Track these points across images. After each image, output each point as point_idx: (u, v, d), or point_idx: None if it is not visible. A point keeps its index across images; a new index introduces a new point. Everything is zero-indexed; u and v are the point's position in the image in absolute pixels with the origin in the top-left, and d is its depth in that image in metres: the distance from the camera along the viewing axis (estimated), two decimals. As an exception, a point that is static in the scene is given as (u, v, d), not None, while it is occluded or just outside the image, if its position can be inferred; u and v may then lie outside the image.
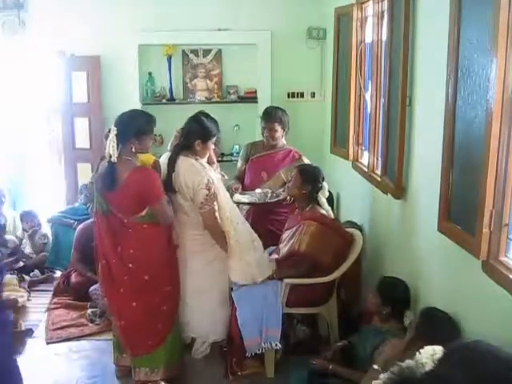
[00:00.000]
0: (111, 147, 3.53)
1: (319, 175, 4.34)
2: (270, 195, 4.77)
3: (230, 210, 4.04)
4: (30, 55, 6.86)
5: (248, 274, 4.06)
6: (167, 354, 3.88)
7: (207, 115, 4.13)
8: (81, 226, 5.71)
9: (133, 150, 3.63)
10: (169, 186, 3.89)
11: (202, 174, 3.90)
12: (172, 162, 3.93)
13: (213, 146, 4.18)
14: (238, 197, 4.82)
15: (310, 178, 4.28)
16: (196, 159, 4.00)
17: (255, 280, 4.08)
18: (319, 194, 4.28)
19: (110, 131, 3.61)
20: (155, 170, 3.82)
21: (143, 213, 3.66)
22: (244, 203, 4.82)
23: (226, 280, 4.16)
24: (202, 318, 4.14)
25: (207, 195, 3.86)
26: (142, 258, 3.72)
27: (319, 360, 3.72)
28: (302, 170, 4.36)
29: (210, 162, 4.25)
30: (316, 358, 3.74)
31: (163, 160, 4.06)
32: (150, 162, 3.84)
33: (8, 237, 6.17)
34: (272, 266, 4.15)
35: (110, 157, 3.55)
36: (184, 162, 3.94)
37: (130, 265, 3.71)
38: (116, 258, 3.71)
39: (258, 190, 4.83)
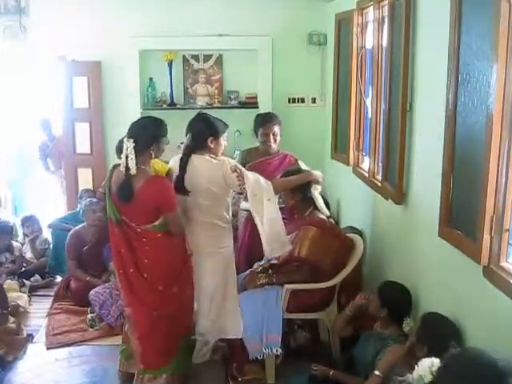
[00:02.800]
0: (130, 160, 3.46)
1: None
2: (278, 201, 4.74)
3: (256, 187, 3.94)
4: (31, 60, 6.88)
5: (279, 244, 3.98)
6: (176, 364, 3.86)
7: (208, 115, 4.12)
8: (71, 233, 5.69)
9: (152, 156, 3.61)
10: (181, 187, 3.84)
11: (223, 164, 3.86)
12: (184, 164, 3.87)
13: (225, 142, 4.11)
14: (245, 204, 4.80)
15: None
16: (211, 156, 3.95)
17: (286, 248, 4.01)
18: (312, 189, 4.26)
19: (121, 142, 3.56)
20: (169, 179, 3.80)
21: (157, 222, 3.61)
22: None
23: (233, 277, 4.12)
24: (214, 320, 4.09)
25: (238, 176, 3.81)
26: (156, 268, 3.67)
27: (320, 366, 3.73)
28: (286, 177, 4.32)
29: None
30: (317, 364, 3.74)
31: (173, 163, 4.02)
32: (164, 171, 3.79)
33: (15, 244, 6.15)
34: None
35: (127, 170, 3.48)
36: (201, 161, 3.88)
37: (145, 275, 3.66)
38: (133, 268, 3.65)
39: None
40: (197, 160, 3.89)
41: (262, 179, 3.93)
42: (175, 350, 3.83)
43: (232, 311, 4.09)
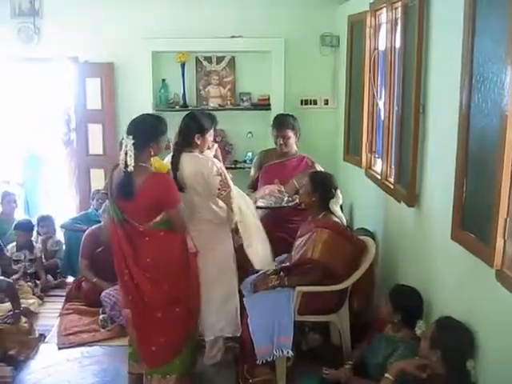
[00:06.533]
0: (128, 157, 3.45)
1: (331, 183, 4.31)
2: (286, 199, 4.76)
3: (241, 201, 4.04)
4: (45, 61, 6.93)
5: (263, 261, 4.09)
6: (182, 363, 3.84)
7: (202, 111, 4.29)
8: (87, 232, 5.70)
9: (152, 153, 3.60)
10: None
11: (209, 163, 3.94)
12: (175, 161, 3.96)
13: (211, 138, 4.18)
14: (259, 203, 4.81)
15: (321, 185, 4.27)
16: (200, 153, 4.03)
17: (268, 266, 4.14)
18: (331, 202, 4.26)
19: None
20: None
21: (158, 218, 3.59)
22: (260, 207, 4.81)
23: (231, 275, 4.17)
24: (210, 317, 4.12)
25: (221, 181, 3.90)
26: (159, 267, 3.65)
27: (331, 370, 3.72)
28: (313, 178, 4.35)
29: None
30: (328, 368, 3.73)
31: (167, 161, 4.08)
32: (164, 170, 3.82)
33: (36, 245, 6.15)
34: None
35: (126, 166, 3.47)
36: (189, 158, 3.96)
37: (148, 274, 3.64)
38: (136, 268, 3.64)
39: (270, 187, 4.81)
40: (185, 157, 3.97)
41: (243, 193, 4.12)
42: (180, 349, 3.81)
43: (233, 309, 4.14)
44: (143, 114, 3.86)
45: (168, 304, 3.70)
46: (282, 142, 4.97)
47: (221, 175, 3.91)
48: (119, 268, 3.73)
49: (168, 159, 4.08)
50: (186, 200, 3.93)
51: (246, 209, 4.05)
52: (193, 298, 3.85)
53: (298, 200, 4.68)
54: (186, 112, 5.29)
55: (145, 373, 3.85)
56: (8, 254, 5.91)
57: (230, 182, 3.97)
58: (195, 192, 3.95)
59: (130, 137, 3.49)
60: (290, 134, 4.97)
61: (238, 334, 4.14)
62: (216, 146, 4.89)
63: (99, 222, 5.78)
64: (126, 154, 3.47)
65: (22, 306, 5.02)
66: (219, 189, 3.91)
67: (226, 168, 4.25)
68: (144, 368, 3.86)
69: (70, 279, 6.04)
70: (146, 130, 3.59)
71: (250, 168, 5.60)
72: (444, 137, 3.38)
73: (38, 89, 8.69)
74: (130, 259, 3.64)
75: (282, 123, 5.01)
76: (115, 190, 3.61)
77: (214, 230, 4.07)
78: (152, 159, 3.69)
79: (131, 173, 3.48)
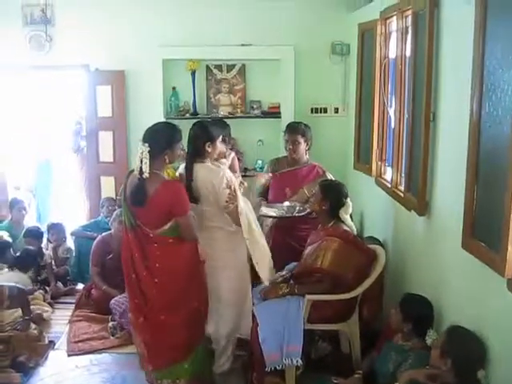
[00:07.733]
0: (144, 164, 3.51)
1: (341, 192, 4.31)
2: (297, 209, 4.77)
3: (248, 215, 4.02)
4: (56, 69, 6.97)
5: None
6: (191, 367, 3.85)
7: (214, 119, 4.19)
8: (97, 240, 5.73)
9: (166, 161, 3.65)
10: (190, 196, 3.89)
11: (220, 174, 3.92)
12: (189, 171, 3.96)
13: (222, 145, 4.18)
14: (265, 210, 4.82)
15: (331, 194, 4.27)
16: (212, 162, 4.04)
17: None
18: (341, 211, 4.25)
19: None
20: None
21: (167, 226, 3.64)
22: (272, 217, 4.81)
23: (244, 282, 4.16)
24: (221, 323, 4.12)
25: (229, 194, 3.88)
26: (167, 273, 3.70)
27: (341, 379, 3.70)
28: (323, 186, 4.35)
29: (232, 172, 4.26)
30: (337, 377, 3.72)
31: (182, 171, 4.09)
32: (174, 178, 3.86)
33: (46, 252, 6.18)
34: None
35: (141, 173, 3.52)
36: (201, 168, 3.96)
37: (156, 279, 3.69)
38: (146, 272, 3.69)
39: (286, 203, 4.84)
40: (198, 168, 3.97)
41: (250, 206, 4.07)
42: (186, 352, 3.83)
43: (247, 312, 4.14)
44: (159, 122, 3.91)
45: (172, 308, 3.74)
46: (291, 146, 5.00)
47: (230, 188, 3.91)
48: (127, 271, 3.79)
49: (181, 169, 4.10)
50: (199, 209, 3.94)
51: (254, 225, 4.04)
52: (200, 303, 3.88)
53: (309, 209, 4.68)
54: (195, 120, 5.36)
55: (155, 377, 3.88)
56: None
57: (239, 195, 3.96)
58: (207, 202, 3.95)
59: (146, 144, 3.54)
60: (300, 140, 4.99)
61: (247, 338, 4.12)
62: (233, 154, 4.91)
63: (109, 229, 5.80)
64: (141, 161, 3.52)
65: (35, 312, 5.04)
66: (227, 201, 3.89)
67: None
68: (150, 369, 3.89)
69: (80, 286, 6.05)
70: (162, 138, 3.64)
71: (260, 176, 5.61)
72: (454, 145, 3.36)
73: (50, 96, 8.75)
74: (139, 263, 3.69)
75: (293, 129, 5.06)
76: (129, 196, 3.66)
77: (228, 238, 4.06)
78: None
79: (145, 180, 3.53)
